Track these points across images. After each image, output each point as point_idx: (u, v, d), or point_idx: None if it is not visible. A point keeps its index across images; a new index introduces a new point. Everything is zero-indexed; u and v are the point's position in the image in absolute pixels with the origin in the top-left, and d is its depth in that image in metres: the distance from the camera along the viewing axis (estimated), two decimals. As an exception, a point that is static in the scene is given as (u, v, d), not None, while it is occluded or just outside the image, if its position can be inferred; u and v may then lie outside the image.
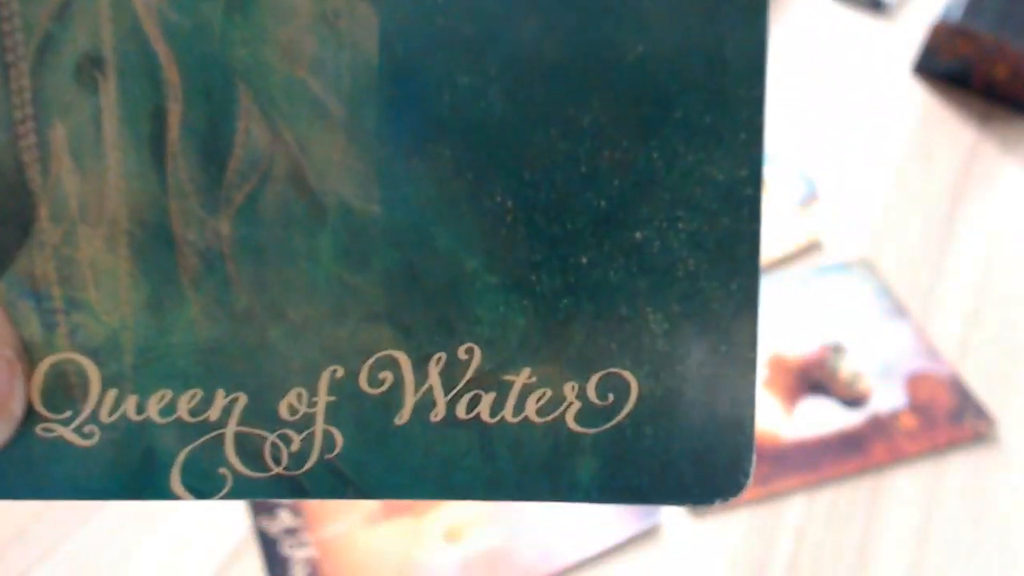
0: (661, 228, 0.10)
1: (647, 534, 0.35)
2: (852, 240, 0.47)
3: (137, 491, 0.10)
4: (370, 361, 0.10)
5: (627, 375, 0.10)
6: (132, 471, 0.10)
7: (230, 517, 0.35)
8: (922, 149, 0.53)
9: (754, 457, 0.11)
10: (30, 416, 0.10)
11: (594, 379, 0.10)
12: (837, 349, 0.42)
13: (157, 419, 0.10)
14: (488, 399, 0.10)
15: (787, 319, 0.43)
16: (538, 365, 0.10)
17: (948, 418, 0.39)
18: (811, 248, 0.47)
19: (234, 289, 0.10)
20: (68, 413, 0.10)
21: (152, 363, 0.10)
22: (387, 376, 0.10)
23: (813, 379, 0.40)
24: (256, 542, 0.34)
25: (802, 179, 0.50)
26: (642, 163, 0.10)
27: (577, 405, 0.10)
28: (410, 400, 0.10)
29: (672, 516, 0.36)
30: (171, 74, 0.09)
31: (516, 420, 0.10)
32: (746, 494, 0.36)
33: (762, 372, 0.41)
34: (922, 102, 0.57)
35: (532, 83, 0.09)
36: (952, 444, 0.38)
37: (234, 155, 0.09)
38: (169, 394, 0.10)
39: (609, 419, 0.11)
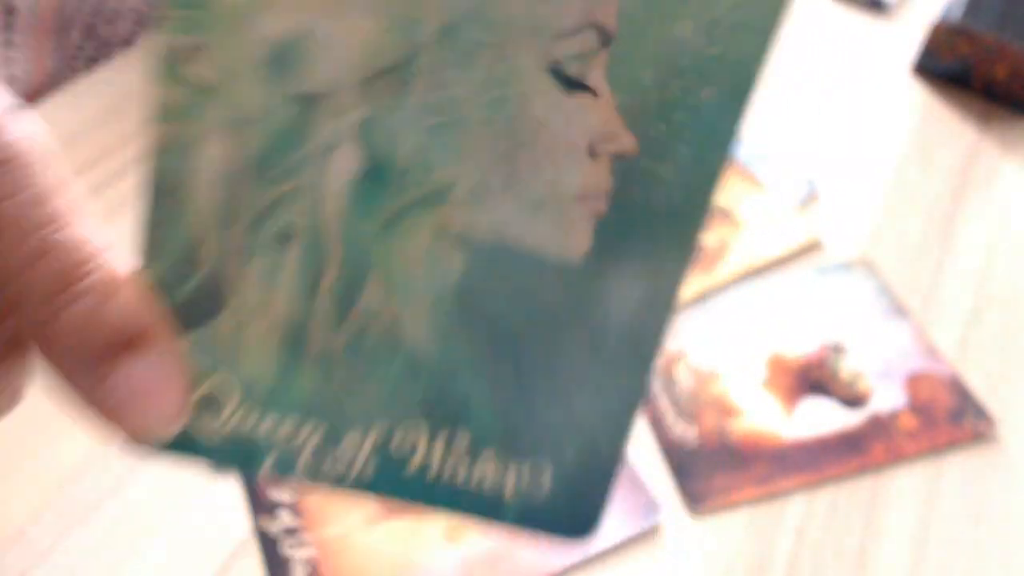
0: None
1: (647, 534, 0.35)
2: (852, 240, 0.47)
3: (241, 465, 0.17)
4: (400, 429, 0.17)
5: (548, 464, 0.17)
6: (242, 456, 0.17)
7: (230, 517, 0.35)
8: (922, 149, 0.53)
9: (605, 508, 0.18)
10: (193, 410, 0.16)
11: (528, 464, 0.17)
12: (837, 349, 0.42)
13: (265, 432, 0.17)
14: (463, 471, 0.17)
15: (787, 319, 0.43)
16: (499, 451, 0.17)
17: (948, 418, 0.39)
18: (811, 248, 0.47)
19: (334, 376, 0.16)
20: (213, 416, 0.17)
21: (272, 403, 0.16)
22: (410, 440, 0.17)
23: (813, 379, 0.40)
24: (256, 542, 0.34)
25: (802, 179, 0.50)
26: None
27: (513, 480, 0.17)
28: (418, 460, 0.17)
29: (672, 516, 0.36)
30: (336, 252, 0.15)
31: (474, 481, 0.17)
32: (746, 494, 0.36)
33: (762, 371, 0.41)
34: (922, 102, 0.57)
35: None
36: (952, 444, 0.38)
37: (357, 307, 0.16)
38: (278, 419, 0.17)
39: (532, 494, 0.17)
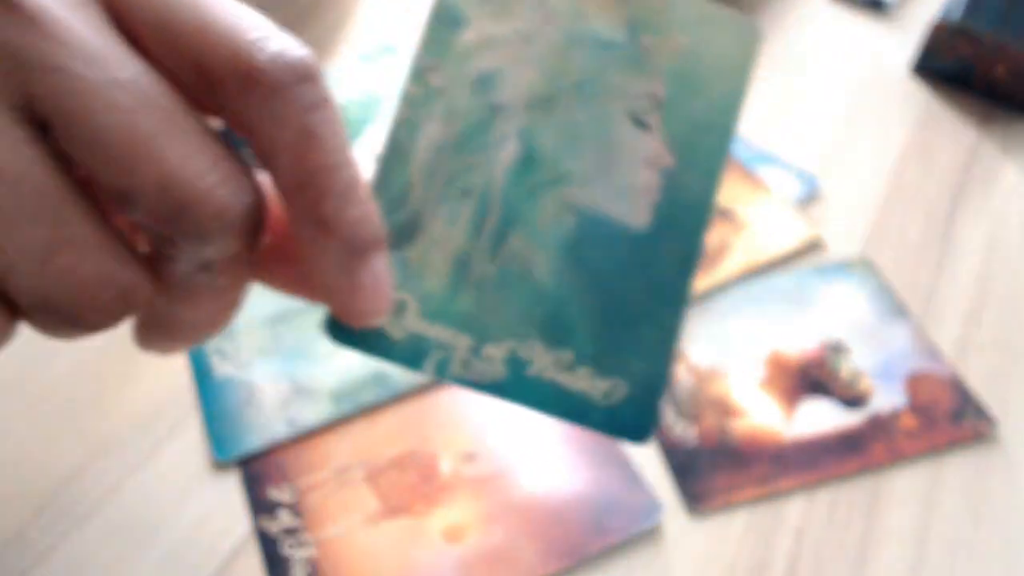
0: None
1: (647, 534, 0.35)
2: (852, 240, 0.47)
3: (410, 363, 0.22)
4: (524, 345, 0.22)
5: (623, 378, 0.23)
6: (412, 355, 0.22)
7: (230, 517, 0.35)
8: (922, 149, 0.53)
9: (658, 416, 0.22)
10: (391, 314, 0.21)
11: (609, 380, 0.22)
12: (837, 349, 0.42)
13: (433, 337, 0.22)
14: (566, 381, 0.22)
15: (787, 319, 0.43)
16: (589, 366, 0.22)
17: (948, 418, 0.39)
18: (811, 248, 0.47)
19: (484, 298, 0.22)
20: (397, 320, 0.21)
21: (440, 315, 0.22)
22: (530, 354, 0.22)
23: (813, 379, 0.40)
24: (256, 542, 0.34)
25: (802, 179, 0.50)
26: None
27: (600, 392, 0.22)
28: (535, 370, 0.22)
29: (672, 516, 0.36)
30: (496, 208, 0.22)
31: (573, 383, 0.22)
32: (746, 494, 0.36)
33: (762, 371, 0.41)
34: (922, 102, 0.57)
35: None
36: (952, 444, 0.38)
37: (505, 247, 0.22)
38: (442, 328, 0.22)
39: (611, 404, 0.22)
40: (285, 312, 0.41)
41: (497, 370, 0.22)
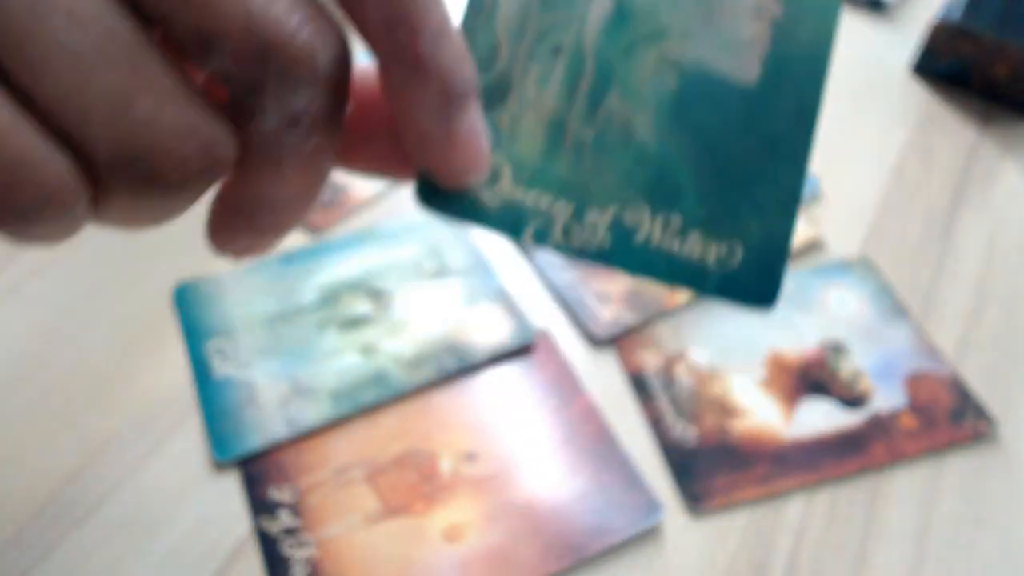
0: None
1: (647, 534, 0.35)
2: (852, 240, 0.47)
3: (509, 230, 0.21)
4: (629, 209, 0.21)
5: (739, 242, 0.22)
6: (510, 223, 0.21)
7: (230, 517, 0.35)
8: (922, 149, 0.53)
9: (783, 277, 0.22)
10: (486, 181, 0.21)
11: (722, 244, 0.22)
12: (837, 349, 0.42)
13: (530, 204, 0.21)
14: (676, 246, 0.21)
15: (787, 319, 0.43)
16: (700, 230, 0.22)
17: (948, 418, 0.39)
18: (811, 247, 0.47)
19: (583, 162, 0.21)
20: (491, 186, 0.21)
21: (536, 181, 0.21)
22: (636, 219, 0.21)
23: (813, 379, 0.40)
24: (256, 542, 0.34)
25: (802, 179, 0.50)
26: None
27: (713, 256, 0.21)
28: (642, 236, 0.21)
29: (672, 516, 0.36)
30: (590, 66, 0.21)
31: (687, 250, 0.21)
32: (746, 493, 0.36)
33: (762, 371, 0.41)
34: (922, 102, 0.57)
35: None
36: (952, 444, 0.38)
37: (603, 108, 0.21)
38: (539, 194, 0.21)
39: (727, 268, 0.21)
40: (285, 312, 0.41)
41: (601, 237, 0.21)
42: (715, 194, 0.22)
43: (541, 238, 0.21)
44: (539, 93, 0.21)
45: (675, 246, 0.22)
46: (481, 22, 0.21)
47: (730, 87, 0.22)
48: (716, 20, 0.22)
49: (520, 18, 0.21)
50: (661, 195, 0.22)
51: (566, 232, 0.21)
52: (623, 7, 0.22)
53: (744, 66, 0.22)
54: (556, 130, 0.21)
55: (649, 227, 0.21)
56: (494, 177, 0.21)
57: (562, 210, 0.21)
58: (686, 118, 0.22)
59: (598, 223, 0.21)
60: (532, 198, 0.21)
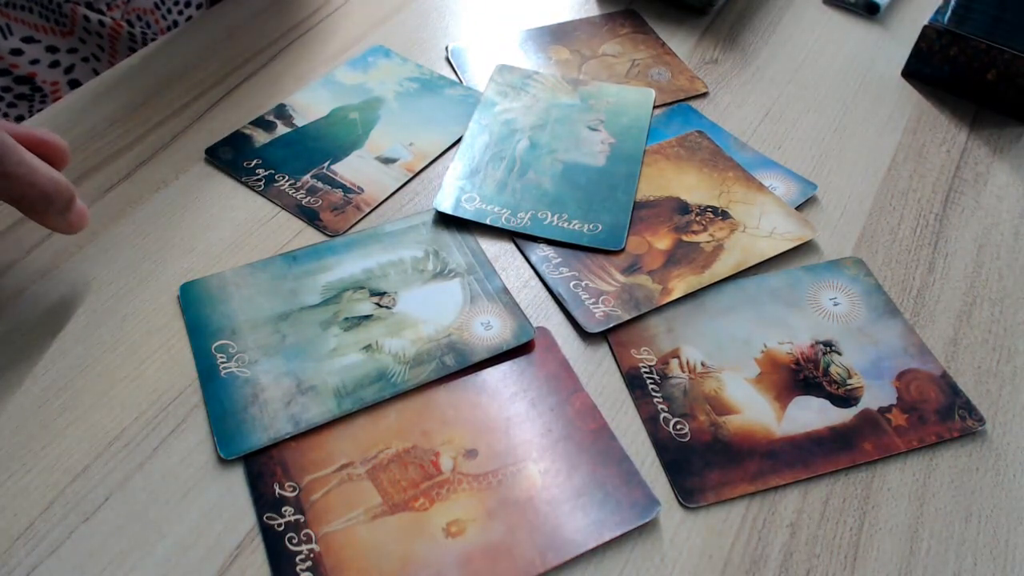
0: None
1: (643, 529, 0.36)
2: (844, 240, 0.48)
3: (480, 220, 0.47)
4: (540, 210, 0.45)
5: None
6: (481, 216, 0.48)
7: (235, 513, 0.35)
8: (914, 151, 0.54)
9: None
10: None
11: None
12: (829, 347, 0.42)
13: (488, 209, 0.43)
14: (566, 224, 0.49)
15: (780, 317, 0.43)
16: None
17: (938, 415, 0.40)
18: (804, 247, 0.47)
19: (515, 196, 0.48)
20: (470, 202, 0.44)
21: (491, 201, 0.48)
22: (545, 213, 0.46)
23: (805, 377, 0.41)
24: (261, 537, 0.35)
25: (796, 180, 0.51)
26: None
27: (587, 228, 0.46)
28: (549, 220, 0.47)
29: (667, 512, 0.36)
30: (518, 162, 0.49)
31: None
32: (740, 490, 0.36)
33: (755, 369, 0.41)
34: (914, 105, 0.57)
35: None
36: (942, 440, 0.39)
37: (526, 176, 0.48)
38: (493, 206, 0.48)
39: None
40: (289, 311, 0.42)
41: (524, 222, 0.45)
42: (585, 207, 0.46)
43: (495, 222, 0.45)
44: (494, 172, 0.47)
45: (565, 225, 0.45)
46: (468, 147, 0.49)
47: (589, 167, 0.48)
48: (581, 145, 0.50)
49: (485, 146, 0.49)
50: (556, 207, 0.46)
51: (507, 221, 0.45)
52: (534, 143, 0.49)
53: (596, 159, 0.48)
54: (502, 185, 0.47)
55: (551, 219, 0.46)
56: (471, 200, 0.46)
57: (504, 211, 0.46)
58: (568, 180, 0.48)
59: (523, 217, 0.46)
60: (490, 207, 0.46)
